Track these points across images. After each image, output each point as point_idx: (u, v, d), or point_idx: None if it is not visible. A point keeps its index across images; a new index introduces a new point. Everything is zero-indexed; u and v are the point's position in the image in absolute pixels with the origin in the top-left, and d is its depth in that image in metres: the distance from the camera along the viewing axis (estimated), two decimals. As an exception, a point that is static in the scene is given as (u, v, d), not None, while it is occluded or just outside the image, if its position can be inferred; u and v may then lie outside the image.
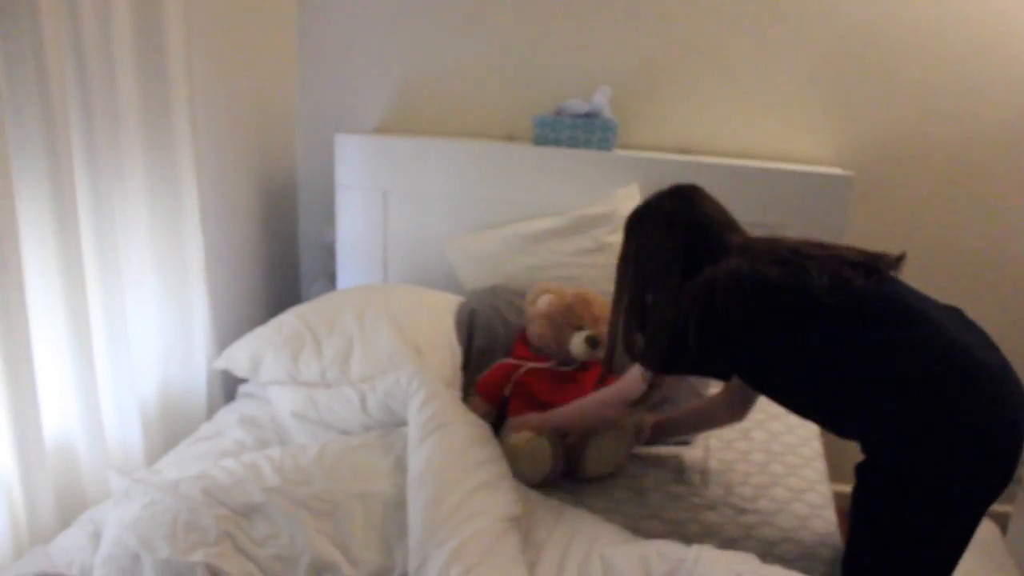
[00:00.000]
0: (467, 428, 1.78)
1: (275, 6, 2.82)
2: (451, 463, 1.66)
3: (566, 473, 1.97)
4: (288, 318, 2.29)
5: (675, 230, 1.75)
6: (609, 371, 2.01)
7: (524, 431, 1.94)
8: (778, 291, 1.60)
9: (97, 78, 1.89)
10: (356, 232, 2.80)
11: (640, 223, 1.82)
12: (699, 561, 1.50)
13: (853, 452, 1.64)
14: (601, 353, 2.11)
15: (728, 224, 1.80)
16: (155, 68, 2.08)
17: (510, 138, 2.83)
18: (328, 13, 2.88)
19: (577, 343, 2.16)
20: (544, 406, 2.09)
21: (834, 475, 2.18)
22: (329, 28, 2.90)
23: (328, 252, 2.95)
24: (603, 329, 2.11)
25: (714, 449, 2.20)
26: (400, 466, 1.73)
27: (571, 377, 2.21)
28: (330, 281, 2.92)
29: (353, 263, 2.83)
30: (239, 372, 2.25)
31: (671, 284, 1.70)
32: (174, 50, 2.10)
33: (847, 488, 1.65)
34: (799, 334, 1.60)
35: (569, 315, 2.19)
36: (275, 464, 1.71)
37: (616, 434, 1.98)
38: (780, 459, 2.17)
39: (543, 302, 2.25)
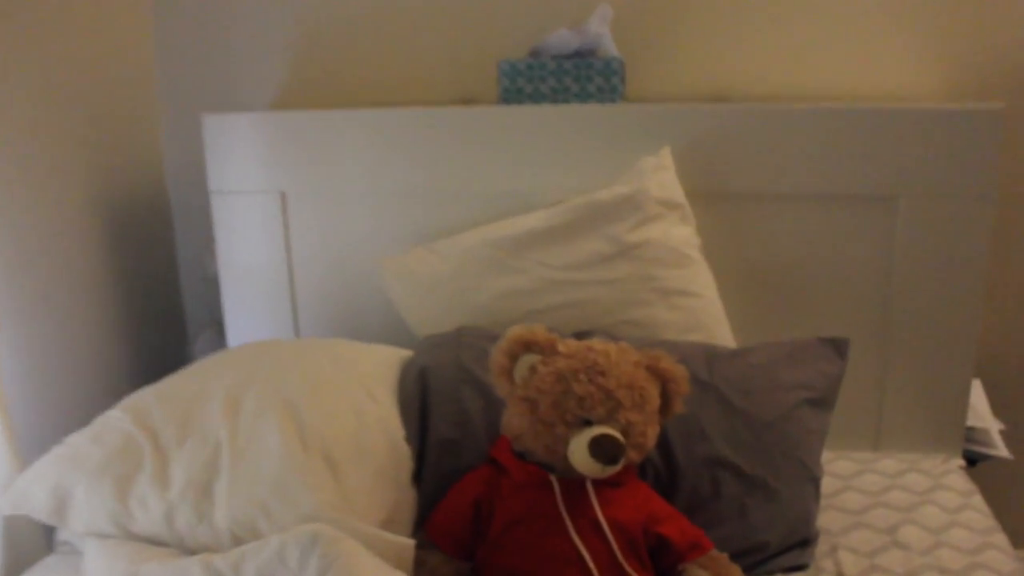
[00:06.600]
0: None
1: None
2: None
3: None
4: (116, 417, 1.35)
5: None
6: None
7: None
8: None
9: None
10: (245, 258, 1.87)
11: None
12: None
13: None
14: (622, 465, 1.15)
15: None
16: None
17: (467, 101, 1.94)
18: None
19: (578, 450, 1.14)
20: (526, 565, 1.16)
21: None
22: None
23: (215, 289, 2.02)
24: (629, 417, 1.16)
25: (847, 564, 1.35)
26: None
27: (583, 503, 1.18)
28: (218, 332, 1.99)
29: (245, 304, 1.90)
30: (38, 515, 1.32)
31: None
32: None
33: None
34: None
35: (564, 399, 1.16)
36: None
37: None
38: (959, 579, 1.33)
39: (523, 367, 1.22)
